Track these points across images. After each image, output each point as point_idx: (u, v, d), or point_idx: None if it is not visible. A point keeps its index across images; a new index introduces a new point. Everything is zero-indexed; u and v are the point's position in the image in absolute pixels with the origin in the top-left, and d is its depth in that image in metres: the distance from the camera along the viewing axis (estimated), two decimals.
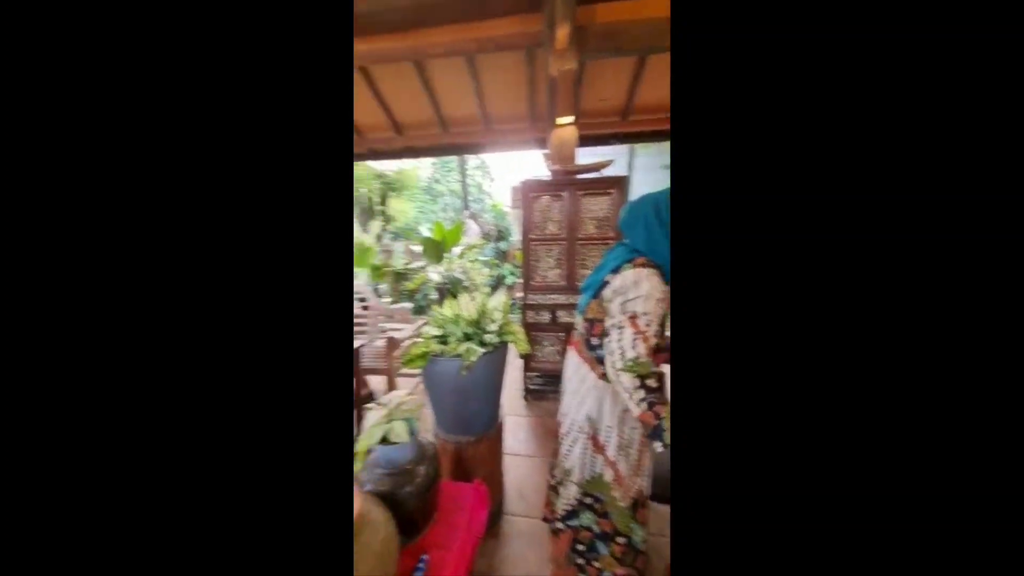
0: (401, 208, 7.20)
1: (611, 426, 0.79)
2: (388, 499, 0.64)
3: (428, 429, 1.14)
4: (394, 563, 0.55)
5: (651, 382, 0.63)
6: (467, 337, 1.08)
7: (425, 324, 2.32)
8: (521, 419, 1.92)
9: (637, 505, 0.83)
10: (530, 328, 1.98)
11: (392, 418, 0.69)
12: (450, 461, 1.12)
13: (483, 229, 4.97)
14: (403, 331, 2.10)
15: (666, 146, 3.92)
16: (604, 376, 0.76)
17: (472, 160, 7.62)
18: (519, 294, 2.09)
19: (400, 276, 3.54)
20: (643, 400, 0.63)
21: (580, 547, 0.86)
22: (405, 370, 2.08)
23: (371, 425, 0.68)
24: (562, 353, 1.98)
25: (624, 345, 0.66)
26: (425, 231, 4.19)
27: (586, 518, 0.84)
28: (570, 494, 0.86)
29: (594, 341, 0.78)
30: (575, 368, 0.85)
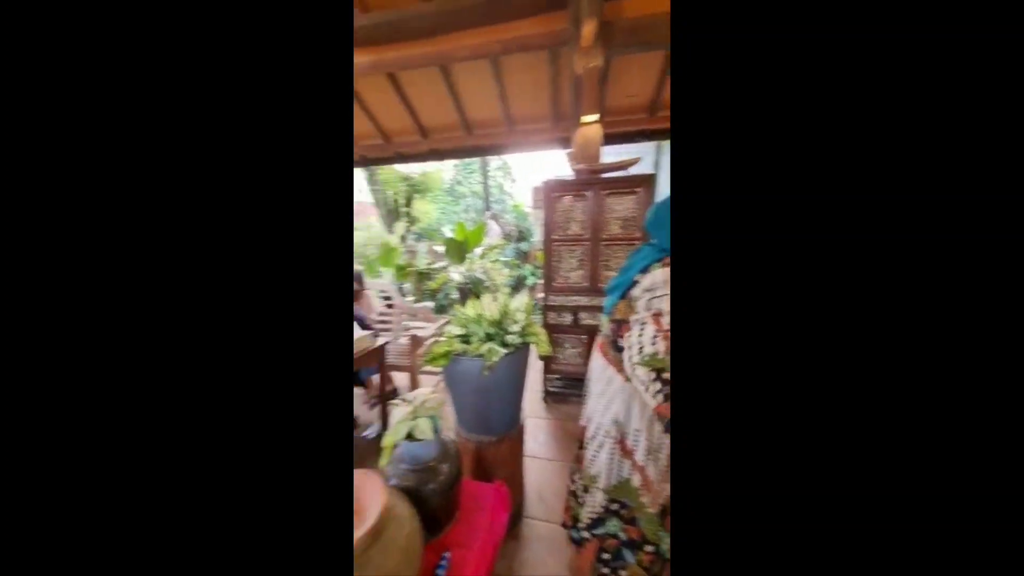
0: (425, 209, 7.40)
1: (639, 429, 0.76)
2: (412, 495, 0.65)
3: (450, 427, 1.15)
4: (418, 559, 0.56)
5: (667, 375, 0.62)
6: (489, 337, 1.08)
7: (447, 323, 2.36)
8: (541, 421, 1.90)
9: (666, 512, 0.79)
10: (551, 330, 1.96)
11: (417, 415, 0.70)
12: (471, 460, 1.12)
13: (504, 230, 5.00)
14: (426, 329, 2.15)
15: None
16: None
17: (494, 161, 7.69)
18: (540, 295, 2.08)
19: (423, 276, 3.64)
20: (659, 392, 0.62)
21: (605, 555, 0.83)
22: (427, 367, 2.13)
23: (397, 421, 0.70)
24: (584, 356, 1.95)
25: (644, 340, 0.65)
26: (448, 232, 4.27)
27: (612, 525, 0.82)
28: (596, 501, 0.83)
29: (621, 343, 0.76)
30: (601, 370, 0.83)
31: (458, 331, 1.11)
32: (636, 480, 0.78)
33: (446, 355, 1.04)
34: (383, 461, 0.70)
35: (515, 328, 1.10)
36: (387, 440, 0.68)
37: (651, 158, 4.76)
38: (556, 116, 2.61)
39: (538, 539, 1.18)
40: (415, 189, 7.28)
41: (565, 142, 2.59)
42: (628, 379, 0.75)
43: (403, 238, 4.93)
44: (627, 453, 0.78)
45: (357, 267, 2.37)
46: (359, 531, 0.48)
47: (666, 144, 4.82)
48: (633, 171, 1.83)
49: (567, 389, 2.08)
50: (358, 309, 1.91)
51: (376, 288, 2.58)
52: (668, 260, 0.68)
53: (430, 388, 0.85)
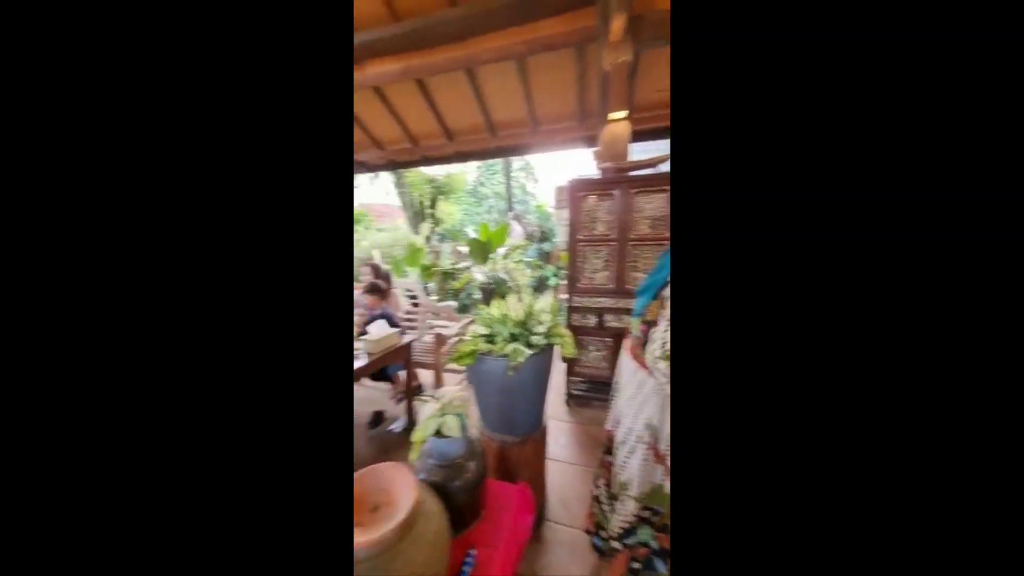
0: (448, 211, 7.56)
1: None
2: (439, 490, 0.67)
3: (475, 426, 1.17)
4: (447, 554, 0.57)
5: None
6: (514, 338, 1.08)
7: (471, 323, 2.39)
8: (563, 424, 1.88)
9: None
10: (575, 331, 1.92)
11: (445, 412, 0.71)
12: (494, 459, 1.13)
13: (526, 230, 4.99)
14: (450, 328, 2.19)
15: None
16: None
17: (516, 162, 7.71)
18: (563, 296, 2.05)
19: (447, 275, 3.71)
20: None
21: (635, 565, 0.80)
22: (451, 365, 2.17)
23: (426, 417, 0.71)
24: (609, 359, 1.90)
25: (668, 336, 0.64)
26: (471, 232, 4.33)
27: (643, 533, 0.79)
28: (627, 510, 0.80)
29: None
30: (631, 373, 0.80)
31: (483, 331, 1.12)
32: (669, 486, 0.74)
33: (471, 354, 1.05)
34: (413, 455, 0.72)
35: (540, 329, 1.09)
36: (416, 435, 0.70)
37: None
38: (582, 114, 2.56)
39: (560, 543, 1.16)
40: (440, 191, 7.46)
41: (591, 141, 2.54)
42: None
43: (428, 239, 5.07)
44: (660, 458, 0.75)
45: (385, 266, 2.46)
46: (391, 523, 0.49)
47: None
48: (663, 168, 1.76)
49: (590, 392, 2.04)
50: (386, 307, 1.98)
51: (403, 287, 2.67)
52: None
53: (457, 386, 0.86)
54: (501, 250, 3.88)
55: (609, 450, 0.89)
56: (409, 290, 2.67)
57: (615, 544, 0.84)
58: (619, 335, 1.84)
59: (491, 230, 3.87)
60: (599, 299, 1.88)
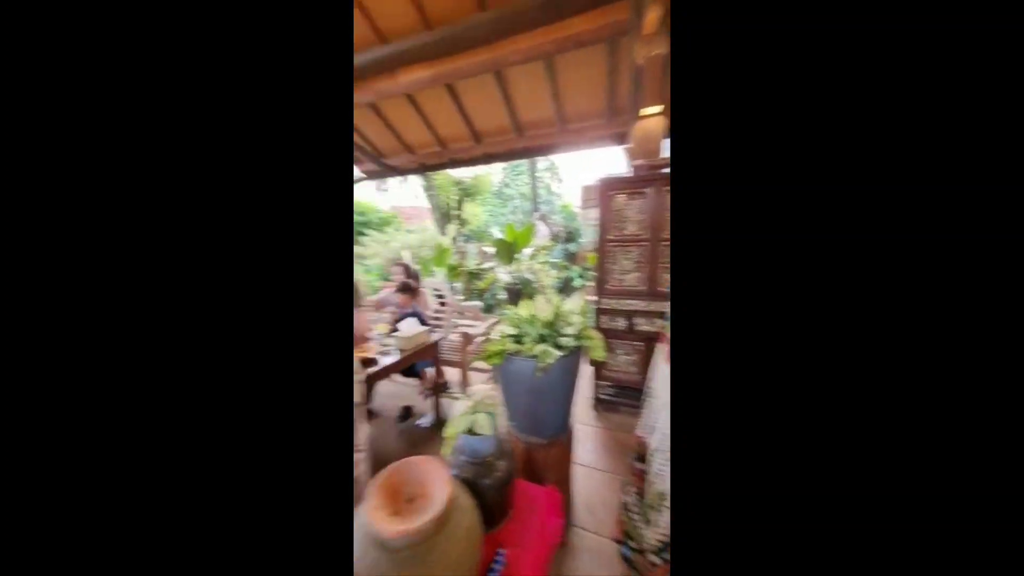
0: (474, 212, 7.69)
1: None
2: (469, 487, 0.67)
3: (504, 425, 1.17)
4: (478, 550, 0.58)
5: None
6: (542, 338, 1.07)
7: (497, 322, 2.40)
8: (590, 429, 1.84)
9: None
10: (603, 334, 1.87)
11: (476, 410, 0.72)
12: (520, 460, 1.13)
13: (552, 231, 4.95)
14: (476, 327, 2.22)
15: None
16: None
17: (541, 162, 7.67)
18: (591, 297, 2.01)
19: (473, 276, 3.77)
20: None
21: None
22: (476, 364, 2.20)
23: (458, 414, 0.73)
24: (639, 364, 1.83)
25: None
26: (497, 233, 4.37)
27: None
28: (666, 522, 0.77)
29: None
30: (667, 378, 0.77)
31: (510, 331, 1.12)
32: None
33: (500, 353, 1.05)
34: (445, 450, 0.73)
35: (569, 331, 1.07)
36: (449, 431, 0.72)
37: None
38: (611, 112, 2.50)
39: (587, 550, 1.14)
40: (466, 193, 7.60)
41: (620, 138, 2.47)
42: None
43: (454, 239, 5.18)
44: None
45: (414, 266, 2.55)
46: (427, 515, 0.50)
47: None
48: None
49: (618, 398, 1.98)
50: (416, 306, 2.05)
51: (430, 287, 2.75)
52: None
53: (488, 385, 0.87)
54: (527, 251, 3.88)
55: (641, 457, 0.85)
56: (436, 289, 2.74)
57: (653, 558, 0.81)
58: (650, 339, 1.77)
59: (517, 230, 3.88)
60: (629, 301, 1.82)
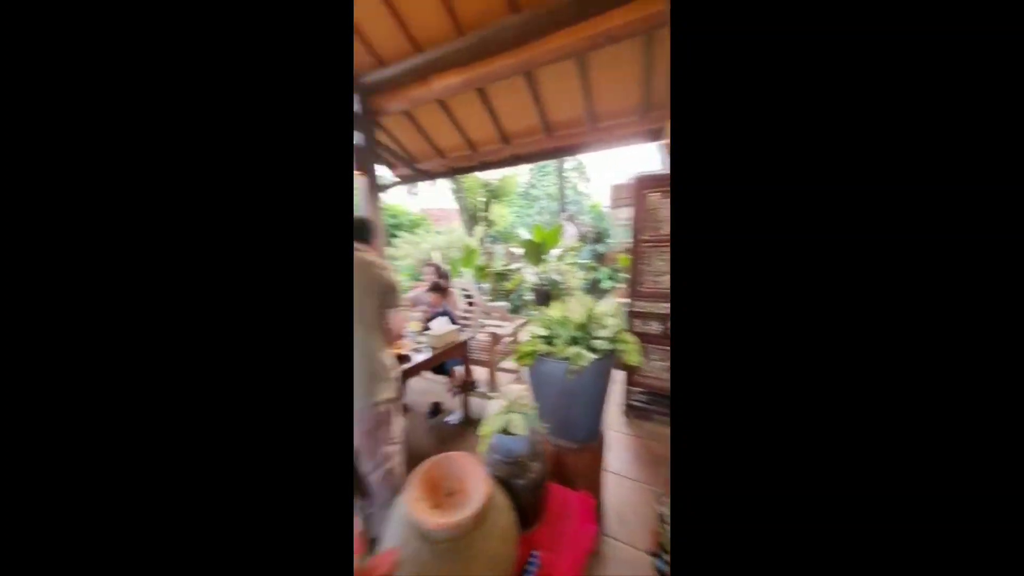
0: (501, 213, 7.76)
1: None
2: (503, 486, 0.68)
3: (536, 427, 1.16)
4: (514, 551, 0.58)
5: None
6: (574, 341, 1.05)
7: (525, 323, 2.40)
8: (621, 436, 1.78)
9: None
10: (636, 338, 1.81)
11: (511, 410, 0.72)
12: (550, 463, 1.11)
13: (580, 231, 4.86)
14: (504, 328, 2.23)
15: None
16: None
17: (568, 162, 7.58)
18: (622, 299, 1.94)
19: (501, 276, 3.80)
20: None
21: None
22: (504, 364, 2.21)
23: (493, 413, 0.73)
24: None
25: None
26: (524, 234, 4.37)
27: None
28: None
29: None
30: None
31: (541, 332, 1.12)
32: None
33: (531, 354, 1.05)
34: (481, 448, 0.74)
35: (603, 333, 1.04)
36: (483, 429, 0.72)
37: None
38: (646, 107, 2.41)
39: (619, 561, 1.10)
40: (493, 194, 7.69)
41: (654, 135, 2.38)
42: None
43: (481, 241, 5.26)
44: None
45: (444, 266, 2.62)
46: (466, 511, 0.51)
47: None
48: None
49: (651, 405, 1.89)
50: (446, 305, 2.10)
51: (458, 287, 2.81)
52: None
53: (522, 385, 0.87)
54: (555, 251, 3.84)
55: None
56: (464, 289, 2.79)
57: None
58: None
59: (545, 231, 3.86)
60: (664, 304, 1.74)
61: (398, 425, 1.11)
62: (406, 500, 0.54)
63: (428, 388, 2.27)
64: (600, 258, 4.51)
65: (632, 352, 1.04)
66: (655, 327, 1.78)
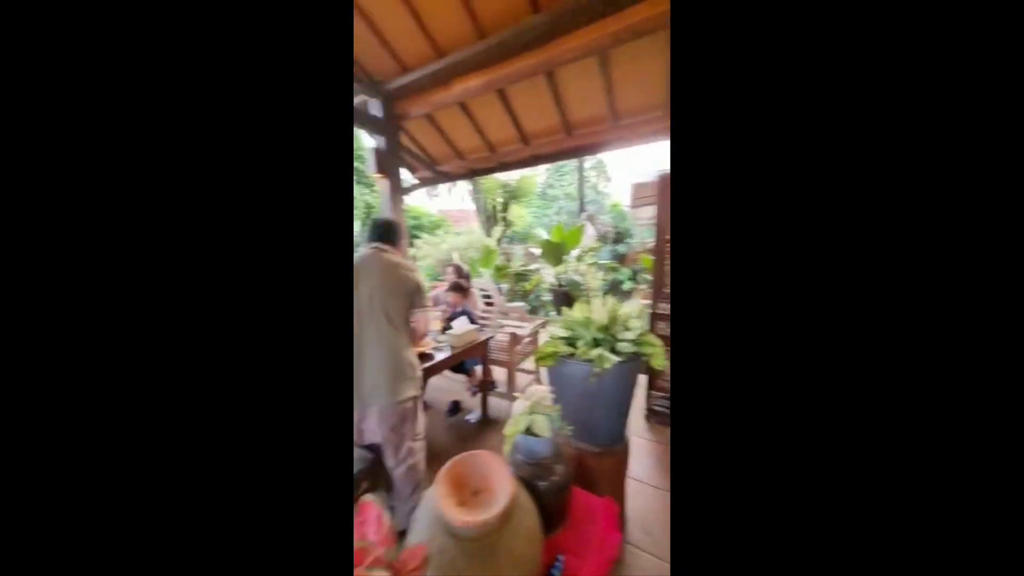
0: (519, 214, 7.77)
1: None
2: (527, 488, 0.68)
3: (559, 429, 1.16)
4: (539, 552, 0.57)
5: None
6: (596, 343, 1.04)
7: (544, 324, 2.39)
8: (643, 442, 1.73)
9: None
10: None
11: (534, 411, 0.72)
12: (572, 467, 1.10)
13: (599, 231, 4.78)
14: (523, 328, 2.23)
15: None
16: None
17: (588, 161, 7.47)
18: (645, 301, 1.89)
19: (519, 277, 3.80)
20: None
21: None
22: (523, 365, 2.21)
23: (517, 414, 0.73)
24: None
25: None
26: (543, 234, 4.35)
27: None
28: None
29: None
30: None
31: (563, 333, 1.11)
32: None
33: (552, 355, 1.04)
34: (506, 448, 0.75)
35: (628, 336, 1.02)
36: (508, 429, 0.73)
37: None
38: (669, 103, 2.33)
39: (642, 569, 1.07)
40: (512, 195, 7.71)
41: None
42: None
43: (499, 241, 5.28)
44: None
45: (464, 266, 2.66)
46: (492, 510, 0.52)
47: None
48: None
49: None
50: (466, 304, 2.13)
51: (477, 287, 2.84)
52: None
53: (546, 386, 0.86)
54: (575, 252, 3.80)
55: None
56: (483, 290, 2.82)
57: None
58: None
59: (565, 231, 3.82)
60: None
61: (421, 422, 1.14)
62: (434, 496, 0.55)
63: (448, 386, 2.31)
64: (621, 259, 4.41)
65: (658, 356, 1.01)
66: None
